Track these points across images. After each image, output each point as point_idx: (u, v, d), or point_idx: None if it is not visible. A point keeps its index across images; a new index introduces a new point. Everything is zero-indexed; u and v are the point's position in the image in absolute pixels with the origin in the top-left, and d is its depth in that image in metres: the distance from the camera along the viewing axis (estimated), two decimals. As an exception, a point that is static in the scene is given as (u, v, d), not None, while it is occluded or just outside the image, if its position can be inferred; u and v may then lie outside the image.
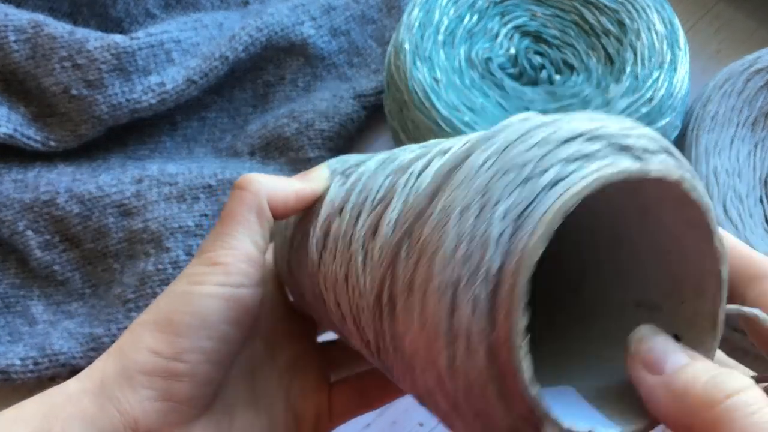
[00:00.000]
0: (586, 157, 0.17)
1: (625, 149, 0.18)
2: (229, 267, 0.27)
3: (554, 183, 0.17)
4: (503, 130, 0.19)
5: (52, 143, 0.50)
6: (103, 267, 0.48)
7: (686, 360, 0.18)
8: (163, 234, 0.47)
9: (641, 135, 0.19)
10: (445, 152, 0.21)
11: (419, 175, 0.21)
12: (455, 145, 0.20)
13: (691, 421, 0.17)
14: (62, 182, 0.49)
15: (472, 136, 0.20)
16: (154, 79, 0.50)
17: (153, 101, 0.50)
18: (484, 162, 0.18)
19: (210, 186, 0.48)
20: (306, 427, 0.31)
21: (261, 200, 0.28)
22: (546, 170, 0.17)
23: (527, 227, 0.16)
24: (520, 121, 0.19)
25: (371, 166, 0.26)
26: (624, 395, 0.19)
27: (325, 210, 0.27)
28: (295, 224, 0.30)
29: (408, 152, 0.24)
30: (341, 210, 0.25)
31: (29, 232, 0.48)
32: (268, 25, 0.52)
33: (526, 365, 0.16)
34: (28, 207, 0.48)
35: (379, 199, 0.23)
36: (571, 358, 0.22)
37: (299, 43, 0.54)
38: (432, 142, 0.24)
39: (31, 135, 0.50)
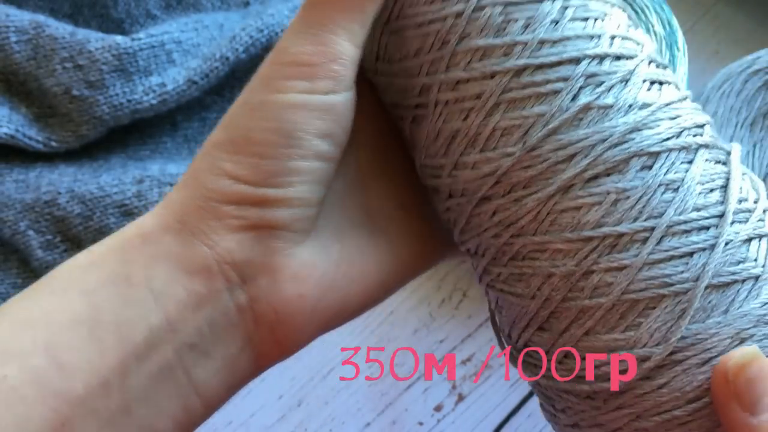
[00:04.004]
0: None
1: None
2: (315, 69, 0.21)
3: None
4: None
5: (53, 144, 0.50)
6: (105, 267, 0.48)
7: None
8: (164, 234, 0.47)
9: None
10: None
11: None
12: None
13: None
14: (63, 182, 0.49)
15: None
16: (155, 79, 0.50)
17: (154, 102, 0.50)
18: None
19: (211, 186, 0.48)
20: (432, 245, 0.26)
21: None
22: None
23: None
24: None
25: None
26: None
27: None
28: None
29: None
30: None
31: (31, 233, 0.48)
32: (269, 26, 0.53)
33: None
34: (30, 207, 0.48)
35: None
36: None
37: (299, 43, 0.54)
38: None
39: (32, 135, 0.50)
